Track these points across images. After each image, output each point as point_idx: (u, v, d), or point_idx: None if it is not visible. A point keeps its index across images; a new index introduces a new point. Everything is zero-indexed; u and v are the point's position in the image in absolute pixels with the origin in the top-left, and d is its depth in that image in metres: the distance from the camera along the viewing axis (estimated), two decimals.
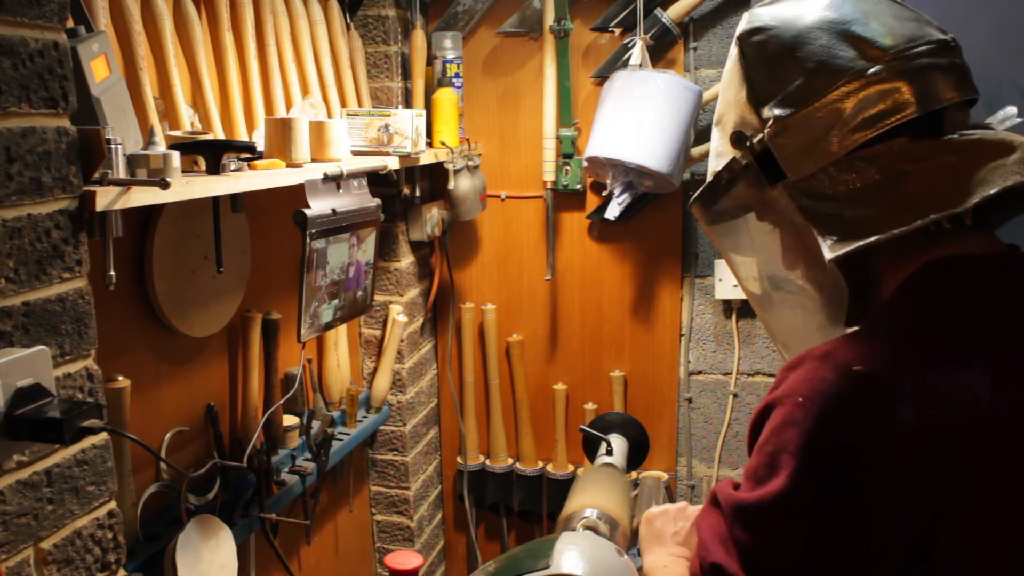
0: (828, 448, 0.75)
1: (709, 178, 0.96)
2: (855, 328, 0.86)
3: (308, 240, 1.50)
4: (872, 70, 0.82)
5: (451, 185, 2.14)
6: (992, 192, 0.77)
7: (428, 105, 2.13)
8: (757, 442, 0.81)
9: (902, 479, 0.74)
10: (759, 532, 0.79)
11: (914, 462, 0.73)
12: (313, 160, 1.57)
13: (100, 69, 1.13)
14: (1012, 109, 0.91)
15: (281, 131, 1.47)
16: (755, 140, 0.89)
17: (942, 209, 0.78)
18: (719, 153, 0.94)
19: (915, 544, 0.74)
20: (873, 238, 0.79)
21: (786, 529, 0.77)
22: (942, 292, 0.81)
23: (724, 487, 0.85)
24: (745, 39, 0.91)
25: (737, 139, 0.90)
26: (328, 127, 1.60)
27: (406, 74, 2.18)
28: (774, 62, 0.87)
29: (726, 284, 2.18)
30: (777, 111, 0.86)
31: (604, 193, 2.12)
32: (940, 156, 0.81)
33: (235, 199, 1.44)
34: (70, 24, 1.17)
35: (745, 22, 0.92)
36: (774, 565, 0.78)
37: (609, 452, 1.72)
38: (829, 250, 0.81)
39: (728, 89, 0.93)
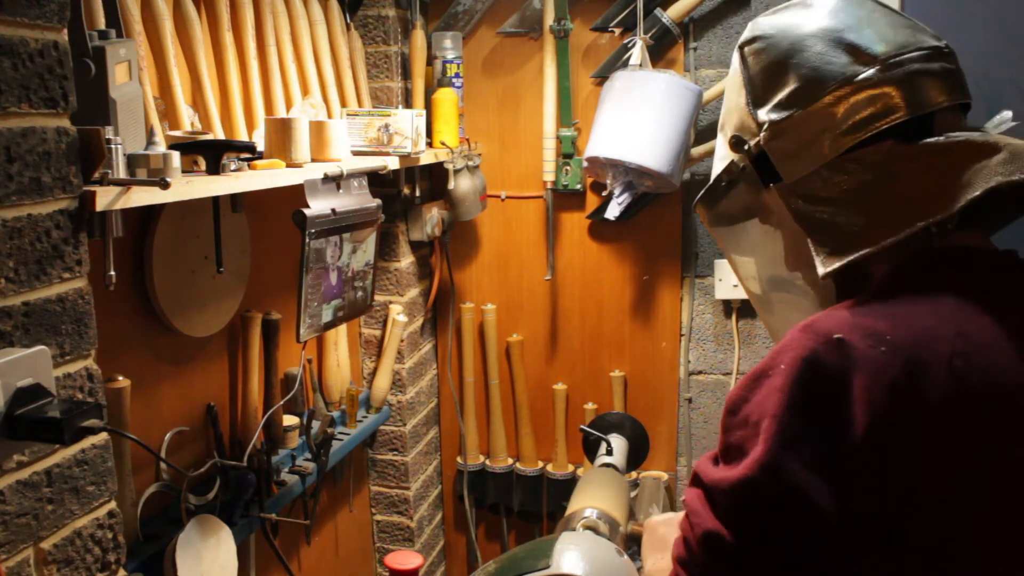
0: (808, 409, 0.76)
1: (711, 180, 1.00)
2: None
3: (308, 240, 1.50)
4: (863, 75, 0.85)
5: (451, 185, 2.14)
6: (976, 195, 0.78)
7: (428, 105, 2.13)
8: (738, 416, 0.81)
9: (879, 441, 0.74)
10: (748, 509, 0.77)
11: (888, 424, 0.74)
12: (313, 160, 1.57)
13: (122, 73, 1.16)
14: (1007, 113, 0.93)
15: (281, 131, 1.47)
16: (752, 144, 0.92)
17: (929, 213, 0.80)
18: (721, 156, 0.98)
19: (890, 507, 0.75)
20: (863, 251, 0.82)
21: (771, 497, 0.76)
22: (928, 275, 0.84)
23: (704, 465, 0.84)
24: (745, 46, 0.94)
25: (736, 143, 0.94)
26: (328, 127, 1.60)
27: (406, 74, 2.18)
28: (771, 68, 0.91)
29: (726, 284, 2.18)
30: (772, 115, 0.90)
31: (604, 193, 2.12)
32: (927, 158, 0.83)
33: (235, 199, 1.44)
34: (102, 26, 1.20)
35: (748, 31, 0.95)
36: (762, 534, 0.77)
37: (609, 452, 1.72)
38: (822, 265, 0.84)
39: (730, 95, 0.97)
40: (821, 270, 0.84)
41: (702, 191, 1.01)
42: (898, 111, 0.84)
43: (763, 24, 0.94)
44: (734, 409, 0.81)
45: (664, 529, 1.16)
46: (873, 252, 0.82)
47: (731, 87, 0.97)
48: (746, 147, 0.93)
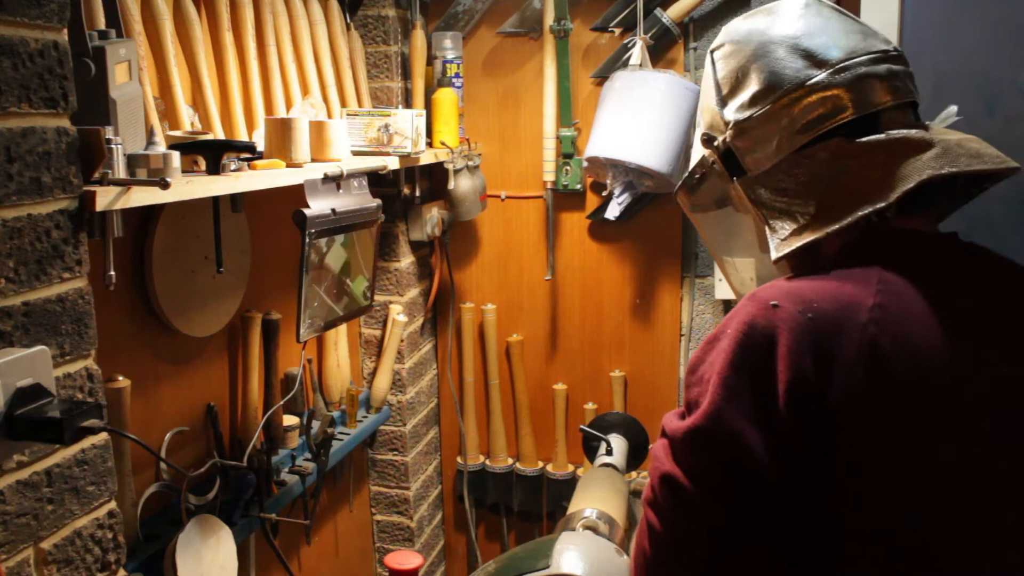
0: (745, 365, 0.85)
1: (686, 173, 1.10)
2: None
3: (308, 240, 1.50)
4: (815, 79, 0.94)
5: (451, 185, 2.14)
6: (910, 186, 0.88)
7: (428, 105, 2.13)
8: (695, 374, 0.90)
9: (797, 397, 0.82)
10: (698, 454, 0.86)
11: (804, 380, 0.82)
12: (313, 160, 1.57)
13: (122, 73, 1.16)
14: (953, 108, 1.02)
15: (281, 131, 1.47)
16: (720, 141, 1.02)
17: (869, 203, 0.90)
18: (697, 151, 1.08)
19: (813, 460, 0.83)
20: (810, 238, 0.92)
21: (714, 443, 0.84)
22: (862, 253, 0.92)
23: (669, 419, 0.92)
24: (715, 51, 1.03)
25: (706, 140, 1.04)
26: (328, 127, 1.60)
27: (406, 74, 2.18)
28: (736, 71, 1.00)
29: (726, 284, 2.18)
30: (737, 115, 0.99)
31: (604, 193, 2.12)
32: (869, 155, 0.92)
33: (235, 199, 1.44)
34: (102, 26, 1.20)
35: (719, 35, 1.04)
36: (708, 476, 0.85)
37: (609, 452, 1.72)
38: (775, 250, 0.95)
39: (704, 95, 1.05)
40: (774, 255, 0.95)
41: (680, 182, 1.11)
42: (846, 111, 0.93)
43: (732, 30, 1.03)
44: (692, 369, 0.91)
45: None
46: (818, 238, 0.91)
47: (704, 88, 1.05)
48: (715, 144, 1.02)
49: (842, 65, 0.94)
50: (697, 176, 1.07)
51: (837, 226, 0.91)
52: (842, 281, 0.89)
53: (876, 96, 0.94)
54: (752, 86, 0.98)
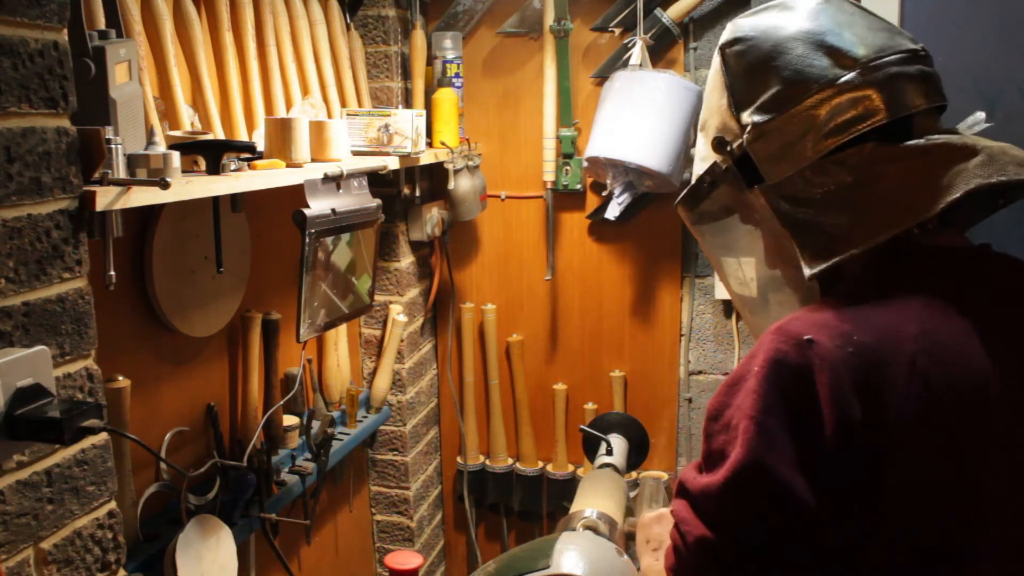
0: (781, 407, 0.78)
1: (693, 181, 1.00)
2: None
3: (307, 240, 1.50)
4: (844, 78, 0.86)
5: (451, 185, 2.14)
6: (956, 196, 0.81)
7: (428, 105, 2.13)
8: (719, 421, 0.83)
9: (848, 439, 0.76)
10: (738, 509, 0.79)
11: (855, 421, 0.76)
12: (313, 160, 1.57)
13: (122, 73, 1.16)
14: (980, 114, 0.95)
15: (281, 131, 1.47)
16: (735, 145, 0.93)
17: (911, 215, 0.82)
18: (703, 157, 0.99)
19: (864, 504, 0.77)
20: (849, 252, 0.84)
21: (754, 497, 0.78)
22: (896, 274, 0.86)
23: (689, 475, 0.86)
24: (726, 48, 0.95)
25: (719, 144, 0.94)
26: (328, 127, 1.60)
27: (406, 74, 2.18)
28: (753, 71, 0.91)
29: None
30: (755, 117, 0.90)
31: (604, 193, 2.12)
32: (907, 160, 0.85)
33: (235, 199, 1.44)
34: (102, 26, 1.20)
35: (728, 32, 0.96)
36: (749, 534, 0.79)
37: (609, 452, 1.72)
38: (808, 266, 0.86)
39: (711, 96, 0.97)
40: (807, 271, 0.86)
41: (684, 191, 1.02)
42: (879, 113, 0.86)
43: (744, 26, 0.94)
44: (715, 415, 0.83)
45: (657, 527, 1.18)
46: (858, 254, 0.84)
47: (712, 88, 0.97)
48: (729, 148, 0.93)
49: (872, 64, 0.86)
50: (707, 183, 0.98)
51: (876, 241, 0.83)
52: (878, 307, 0.82)
53: (910, 98, 0.87)
54: (773, 86, 0.89)
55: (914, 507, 0.78)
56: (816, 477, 0.76)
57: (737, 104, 0.92)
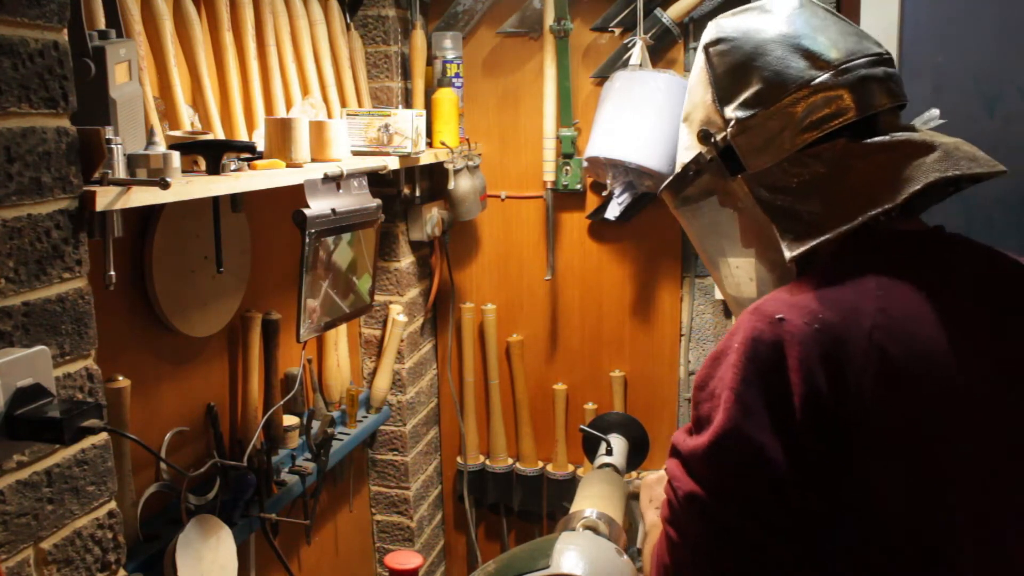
0: (757, 379, 0.86)
1: (678, 169, 1.09)
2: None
3: (307, 240, 1.50)
4: (819, 79, 0.96)
5: (451, 185, 2.14)
6: (917, 188, 0.91)
7: (428, 105, 2.13)
8: (704, 391, 0.92)
9: (814, 408, 0.84)
10: (719, 468, 0.87)
11: (819, 392, 0.84)
12: (313, 160, 1.57)
13: (122, 73, 1.16)
14: (935, 111, 1.05)
15: (281, 131, 1.47)
16: (719, 138, 1.02)
17: (878, 204, 0.92)
18: (687, 147, 1.08)
19: (834, 467, 0.85)
20: (824, 237, 0.93)
21: (733, 458, 0.86)
22: (859, 257, 0.94)
23: (680, 437, 0.94)
24: (710, 47, 1.03)
25: (704, 136, 1.03)
26: (328, 127, 1.60)
27: (406, 74, 2.18)
28: (736, 70, 1.00)
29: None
30: (738, 113, 0.99)
31: (604, 193, 2.12)
32: (874, 155, 0.94)
33: (235, 199, 1.44)
34: (102, 26, 1.20)
35: (711, 31, 1.04)
36: (730, 490, 0.87)
37: (609, 452, 1.72)
38: (788, 249, 0.95)
39: (695, 90, 1.06)
40: (787, 254, 0.95)
41: (669, 179, 1.11)
42: (849, 112, 0.95)
43: (726, 26, 1.03)
44: (701, 385, 0.93)
45: (659, 488, 1.29)
46: (831, 238, 0.93)
47: (696, 83, 1.06)
48: (713, 140, 1.02)
49: (844, 67, 0.95)
50: (691, 172, 1.07)
51: (849, 226, 0.92)
52: (841, 287, 0.90)
53: (876, 98, 0.96)
54: (754, 84, 0.98)
55: (880, 473, 0.85)
56: (789, 442, 0.84)
57: (721, 100, 1.01)
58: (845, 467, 0.84)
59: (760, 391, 0.86)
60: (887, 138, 0.95)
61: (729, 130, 1.00)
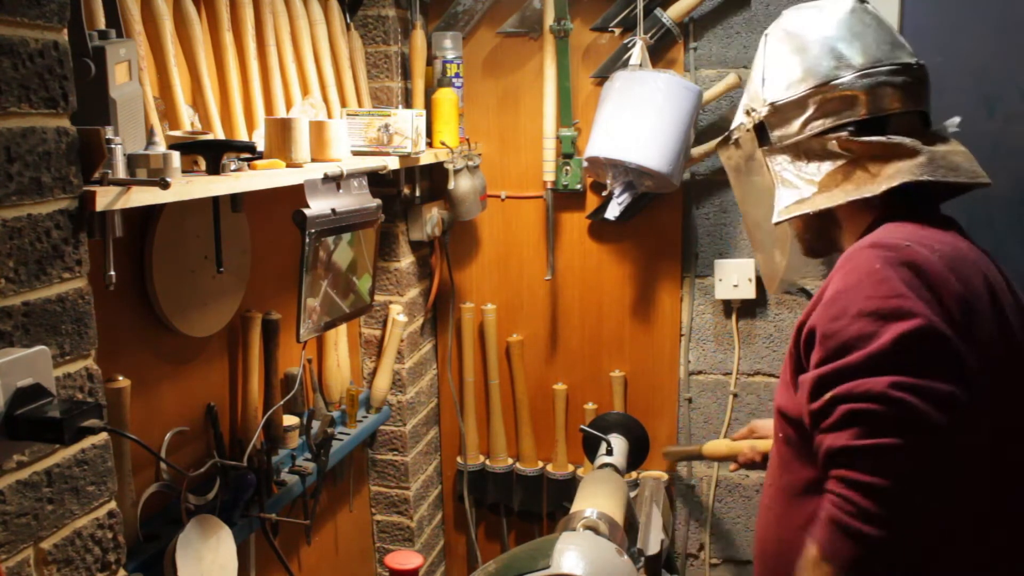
0: (915, 284, 0.97)
1: (732, 128, 1.32)
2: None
3: (307, 240, 1.50)
4: (840, 80, 1.14)
5: (451, 185, 2.14)
6: (893, 185, 1.07)
7: (428, 105, 2.13)
8: (827, 330, 1.00)
9: (954, 324, 0.98)
10: (920, 355, 0.95)
11: (954, 309, 0.99)
12: (313, 160, 1.57)
13: (122, 73, 1.16)
14: (955, 119, 1.19)
15: (281, 131, 1.47)
16: (757, 114, 1.24)
17: (859, 193, 1.10)
18: (738, 116, 1.30)
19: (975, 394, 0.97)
20: (806, 210, 1.15)
21: (939, 343, 0.95)
22: (913, 226, 1.08)
23: (839, 389, 0.98)
24: (770, 35, 1.25)
25: (747, 111, 1.27)
26: (328, 127, 1.60)
27: (406, 74, 2.18)
28: (780, 59, 1.22)
29: (726, 284, 2.19)
30: (772, 96, 1.21)
31: (604, 193, 2.12)
32: (867, 150, 1.12)
33: (235, 199, 1.44)
34: (102, 26, 1.20)
35: (778, 21, 1.25)
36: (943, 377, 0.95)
37: (609, 452, 1.72)
38: (777, 215, 1.19)
39: (755, 68, 1.28)
40: (775, 218, 1.18)
41: (721, 137, 1.37)
42: (860, 110, 1.13)
43: (787, 19, 1.24)
44: (835, 311, 0.99)
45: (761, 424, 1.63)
46: (811, 213, 1.14)
47: (755, 63, 1.27)
48: (752, 114, 1.24)
49: (865, 71, 1.13)
50: (734, 138, 1.31)
51: (828, 206, 1.13)
52: (928, 234, 1.05)
53: (887, 102, 1.13)
54: (790, 75, 1.18)
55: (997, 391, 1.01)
56: (955, 333, 0.96)
57: (764, 83, 1.22)
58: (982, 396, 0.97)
59: (924, 292, 0.96)
60: (883, 138, 1.10)
61: (765, 109, 1.21)
